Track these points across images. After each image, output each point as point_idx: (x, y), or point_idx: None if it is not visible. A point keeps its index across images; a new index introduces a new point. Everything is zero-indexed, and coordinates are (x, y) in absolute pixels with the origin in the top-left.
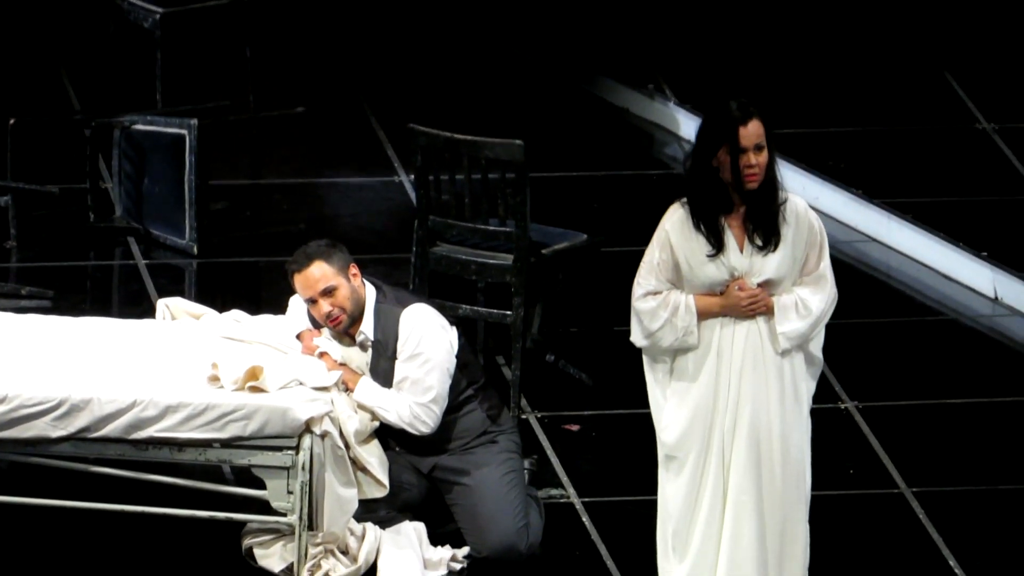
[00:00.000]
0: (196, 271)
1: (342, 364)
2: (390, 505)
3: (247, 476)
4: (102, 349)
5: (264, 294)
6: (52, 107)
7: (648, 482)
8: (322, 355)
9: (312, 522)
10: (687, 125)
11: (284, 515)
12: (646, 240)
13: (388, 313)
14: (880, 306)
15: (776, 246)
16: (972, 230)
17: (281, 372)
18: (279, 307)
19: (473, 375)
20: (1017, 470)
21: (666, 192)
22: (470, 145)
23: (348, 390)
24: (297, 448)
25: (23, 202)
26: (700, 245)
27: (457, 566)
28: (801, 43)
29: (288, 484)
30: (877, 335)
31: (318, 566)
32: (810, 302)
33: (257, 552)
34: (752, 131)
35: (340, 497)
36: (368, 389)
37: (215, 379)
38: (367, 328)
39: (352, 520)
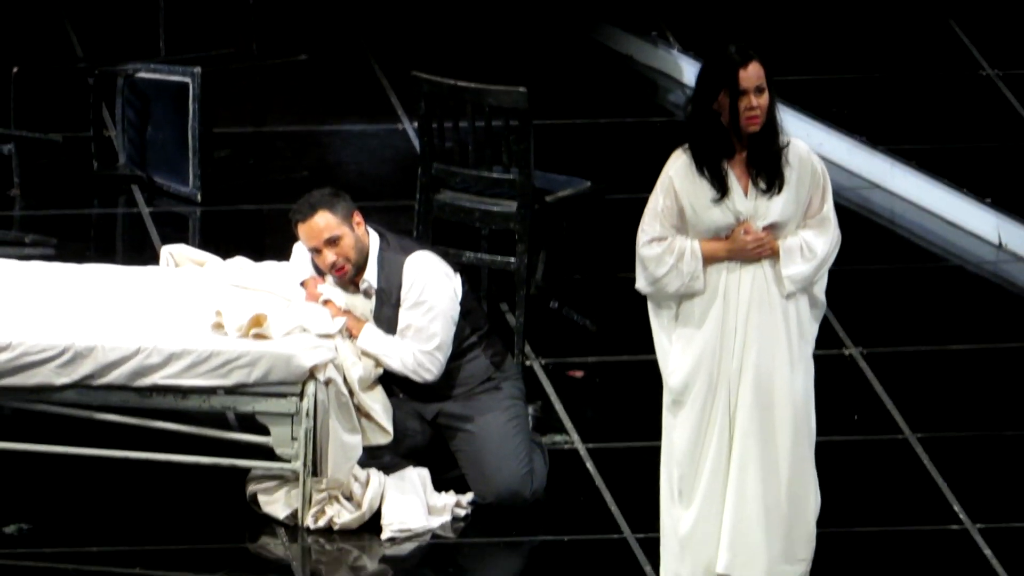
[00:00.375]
0: (200, 219)
1: (346, 311)
2: (394, 451)
3: (251, 423)
4: (106, 296)
5: (268, 241)
6: (56, 55)
7: (652, 428)
8: (326, 302)
9: (316, 468)
10: (690, 72)
11: (288, 462)
12: (650, 187)
13: (392, 261)
14: (884, 253)
15: (780, 189)
16: (976, 176)
17: (285, 319)
18: (283, 254)
19: (477, 322)
20: (1021, 415)
21: (669, 139)
22: (474, 92)
23: (352, 337)
24: (301, 395)
25: (27, 150)
26: (704, 190)
27: (461, 512)
28: None
29: (292, 431)
30: (881, 282)
31: (322, 512)
32: (815, 244)
33: (261, 498)
34: (752, 73)
35: (344, 443)
36: (372, 336)
37: (219, 326)
38: (371, 276)
39: (356, 466)
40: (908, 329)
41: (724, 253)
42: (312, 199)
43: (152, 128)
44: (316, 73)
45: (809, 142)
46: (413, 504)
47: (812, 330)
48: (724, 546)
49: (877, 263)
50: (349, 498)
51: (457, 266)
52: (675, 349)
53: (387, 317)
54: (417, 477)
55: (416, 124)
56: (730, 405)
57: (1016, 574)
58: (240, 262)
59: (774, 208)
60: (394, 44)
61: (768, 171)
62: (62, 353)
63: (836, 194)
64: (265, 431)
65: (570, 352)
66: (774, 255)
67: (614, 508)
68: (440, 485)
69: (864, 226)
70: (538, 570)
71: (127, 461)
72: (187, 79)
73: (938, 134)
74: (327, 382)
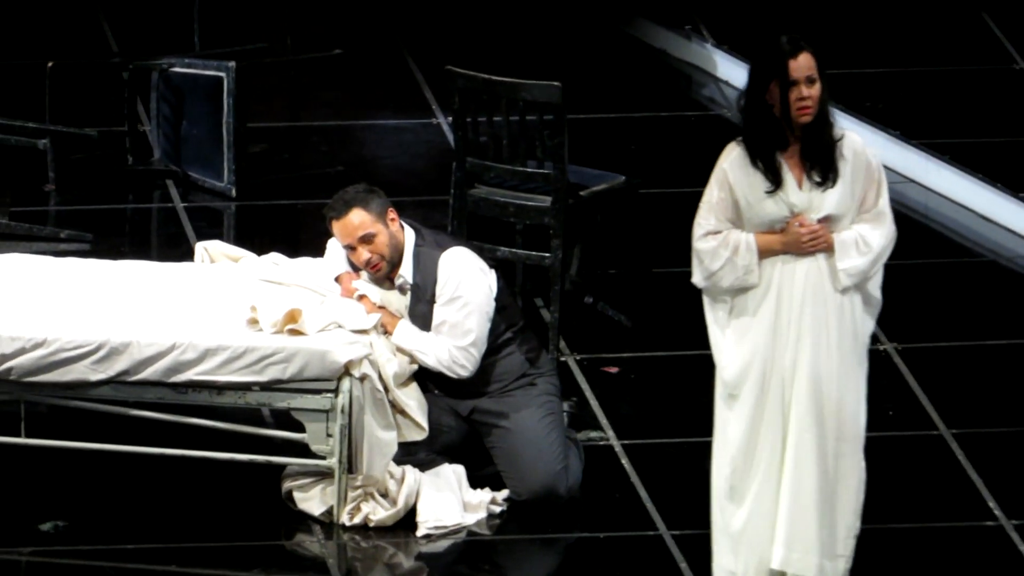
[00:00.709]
0: (234, 214)
1: (381, 307)
2: (429, 448)
3: (286, 419)
4: (141, 292)
5: (302, 236)
6: (90, 50)
7: (687, 424)
8: (361, 298)
9: (351, 465)
10: (724, 66)
11: (323, 458)
12: (684, 181)
13: (427, 256)
14: (918, 247)
15: (834, 182)
16: (1010, 171)
17: (320, 315)
18: (317, 249)
19: (512, 318)
20: None
21: (703, 133)
22: (508, 87)
23: (387, 333)
24: (336, 391)
25: (62, 145)
26: (758, 182)
27: (497, 508)
28: None
29: (327, 427)
30: (915, 276)
31: (358, 509)
32: (870, 238)
33: (297, 495)
34: (802, 63)
35: (379, 440)
36: (407, 332)
37: (254, 322)
38: (406, 271)
39: (391, 463)
40: (942, 324)
41: (779, 246)
42: (346, 196)
43: (187, 123)
44: (351, 68)
45: None
46: (449, 501)
47: (866, 327)
48: (780, 542)
49: (911, 258)
50: (384, 495)
51: (492, 261)
52: (729, 342)
53: (422, 313)
54: (452, 474)
55: (450, 119)
56: (784, 400)
57: None
58: (275, 258)
59: (828, 201)
60: (428, 38)
61: (822, 163)
62: (97, 349)
63: None
64: (300, 428)
65: (605, 348)
66: (829, 249)
67: (649, 505)
68: (475, 482)
69: (898, 221)
70: (573, 567)
71: (162, 458)
72: (222, 74)
73: (972, 129)
74: (362, 378)
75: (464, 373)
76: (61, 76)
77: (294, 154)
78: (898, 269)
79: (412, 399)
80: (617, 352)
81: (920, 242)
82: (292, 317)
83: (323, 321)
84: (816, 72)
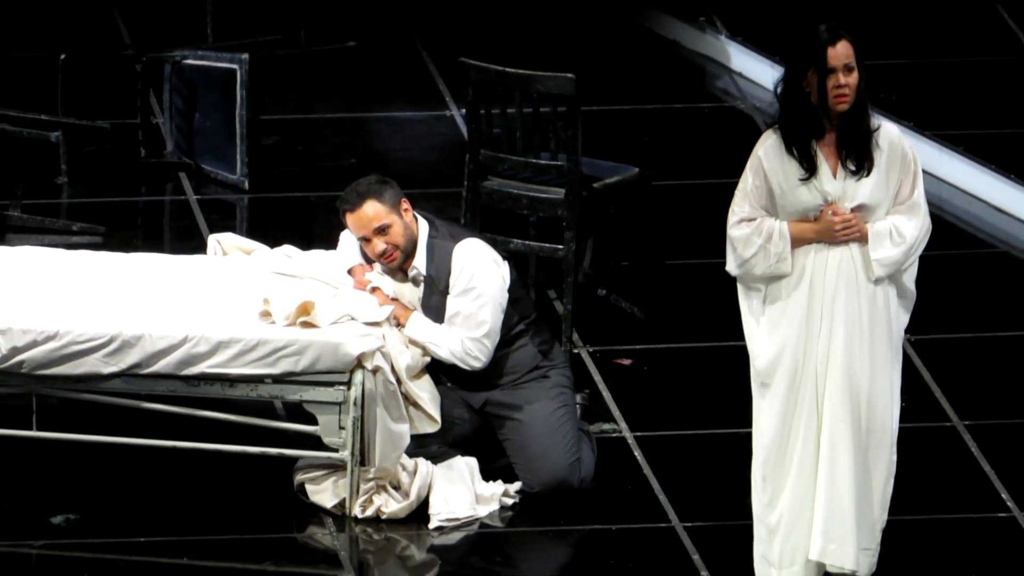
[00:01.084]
0: (247, 206)
1: (394, 299)
2: (442, 440)
3: (299, 412)
4: (153, 285)
5: (315, 229)
6: (103, 42)
7: (701, 416)
8: (374, 290)
9: (364, 457)
10: (738, 58)
11: (336, 451)
12: (698, 173)
13: (441, 248)
14: (931, 239)
15: (869, 171)
16: None
17: (333, 307)
18: (330, 242)
19: (525, 310)
20: None
21: (717, 125)
22: (521, 79)
23: (400, 325)
24: (349, 383)
25: (74, 138)
26: (793, 169)
27: (509, 501)
28: None
29: (340, 419)
30: (929, 268)
31: (370, 501)
32: (904, 229)
33: (309, 488)
34: (840, 51)
35: (392, 432)
36: (420, 324)
37: (267, 314)
38: (419, 263)
39: (404, 455)
40: (956, 316)
41: (812, 234)
42: (360, 188)
43: (200, 115)
44: (364, 59)
45: None
46: (461, 493)
47: (901, 321)
48: (817, 533)
49: (925, 249)
50: (397, 487)
51: (505, 253)
52: (762, 332)
53: (435, 305)
54: (465, 466)
55: (464, 111)
56: (817, 391)
57: None
58: (287, 250)
59: (863, 190)
60: (441, 30)
61: (857, 152)
62: (109, 342)
63: None
64: (313, 420)
65: (618, 340)
66: (862, 239)
67: (662, 497)
68: (488, 474)
69: None
70: (586, 559)
71: (174, 450)
72: (235, 66)
73: (986, 120)
74: (375, 370)
75: (477, 365)
76: (73, 68)
77: (307, 146)
78: None
79: (425, 391)
80: (630, 344)
81: (933, 234)
82: (305, 309)
83: (336, 313)
84: (854, 60)
